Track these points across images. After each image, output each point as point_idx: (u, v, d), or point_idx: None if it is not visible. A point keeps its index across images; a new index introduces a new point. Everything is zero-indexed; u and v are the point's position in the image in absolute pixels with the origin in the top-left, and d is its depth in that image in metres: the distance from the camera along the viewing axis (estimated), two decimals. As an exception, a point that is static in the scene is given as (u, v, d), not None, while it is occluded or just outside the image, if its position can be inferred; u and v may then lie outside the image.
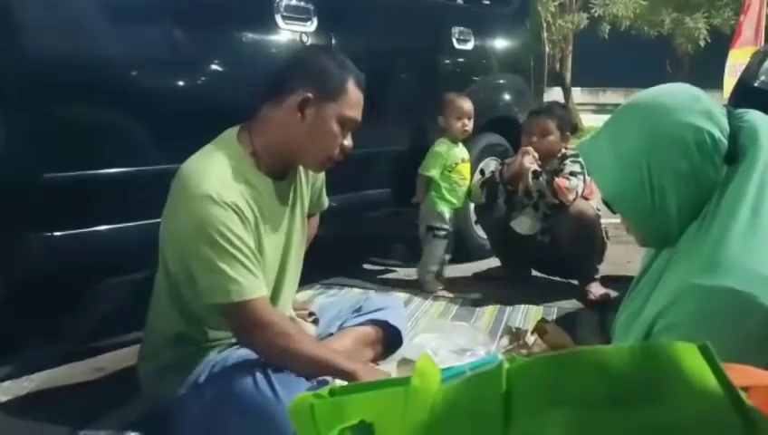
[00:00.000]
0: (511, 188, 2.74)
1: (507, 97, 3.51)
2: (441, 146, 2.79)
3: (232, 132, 1.52)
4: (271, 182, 1.52)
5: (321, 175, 1.74)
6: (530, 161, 2.67)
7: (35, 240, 1.70)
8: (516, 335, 1.74)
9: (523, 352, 1.63)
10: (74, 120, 1.77)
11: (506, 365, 0.61)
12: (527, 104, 3.48)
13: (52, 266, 1.77)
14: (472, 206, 3.00)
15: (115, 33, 1.83)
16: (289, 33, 2.27)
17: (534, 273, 2.97)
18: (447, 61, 3.19)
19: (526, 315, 2.42)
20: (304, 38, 2.29)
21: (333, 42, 2.41)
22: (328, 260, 2.70)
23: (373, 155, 2.63)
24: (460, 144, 2.83)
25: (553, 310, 2.50)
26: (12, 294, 1.75)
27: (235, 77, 2.12)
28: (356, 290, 2.70)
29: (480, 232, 3.13)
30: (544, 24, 5.27)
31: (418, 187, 2.81)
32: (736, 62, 6.32)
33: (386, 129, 2.69)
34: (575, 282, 2.72)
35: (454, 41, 3.13)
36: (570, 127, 2.87)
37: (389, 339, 1.77)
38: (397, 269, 3.07)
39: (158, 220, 1.50)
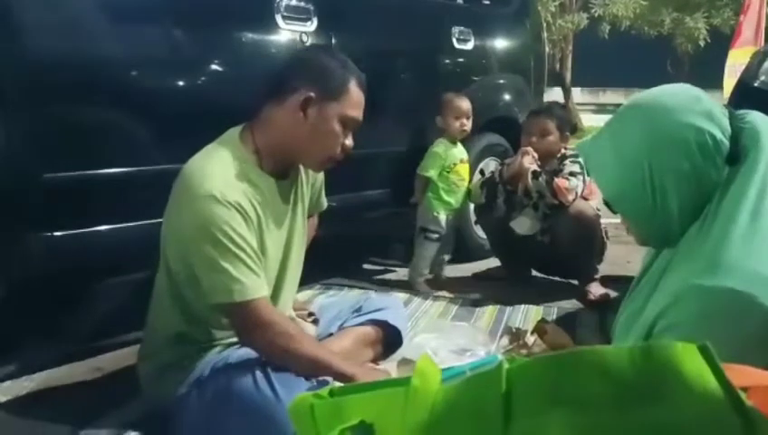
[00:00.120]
0: (510, 189, 2.74)
1: (507, 97, 3.51)
2: (439, 146, 2.78)
3: (234, 132, 1.52)
4: (273, 182, 1.52)
5: (321, 176, 1.74)
6: (529, 162, 2.67)
7: (35, 240, 1.70)
8: (516, 335, 1.75)
9: (523, 352, 1.63)
10: (74, 120, 1.77)
11: (506, 366, 0.61)
12: (527, 104, 3.47)
13: (52, 266, 1.77)
14: (472, 206, 3.00)
15: (115, 34, 1.83)
16: (289, 33, 2.27)
17: (534, 273, 2.97)
18: (447, 61, 3.19)
19: (526, 315, 2.42)
20: (304, 38, 2.29)
21: (333, 42, 2.41)
22: (328, 260, 2.70)
23: (373, 155, 2.62)
24: (459, 144, 2.82)
25: (553, 310, 2.50)
26: (12, 294, 1.75)
27: (235, 77, 2.12)
28: (356, 290, 2.70)
29: (480, 232, 3.13)
30: (544, 24, 5.27)
31: (416, 187, 2.80)
32: (736, 62, 6.33)
33: (386, 129, 2.68)
34: (575, 282, 2.72)
35: (454, 41, 3.12)
36: (569, 127, 2.87)
37: (389, 339, 1.77)
38: (396, 269, 3.07)
39: (158, 220, 1.50)
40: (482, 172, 3.16)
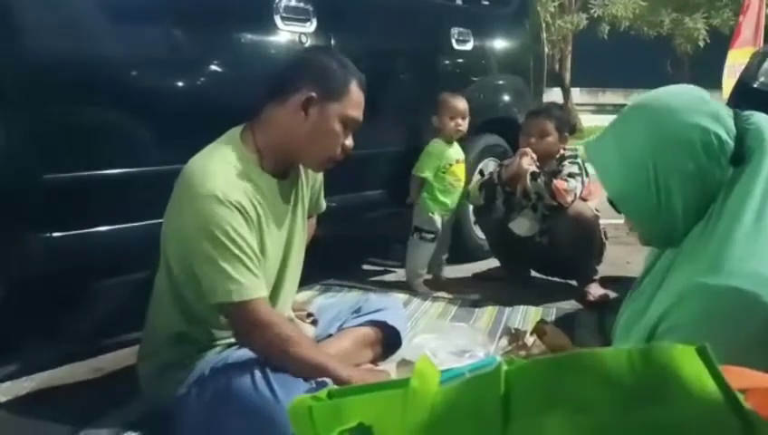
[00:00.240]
0: (509, 190, 2.73)
1: (506, 98, 3.51)
2: (434, 146, 2.77)
3: (235, 132, 1.53)
4: (275, 182, 1.53)
5: (320, 177, 1.75)
6: (528, 163, 2.67)
7: (35, 240, 1.70)
8: (515, 336, 1.75)
9: (522, 353, 1.63)
10: (74, 121, 1.77)
11: (505, 367, 0.61)
12: (526, 105, 3.47)
13: (52, 267, 1.77)
14: (471, 207, 3.00)
15: (115, 34, 1.83)
16: (288, 33, 2.27)
17: (533, 274, 2.97)
18: (447, 61, 3.19)
19: (525, 316, 2.42)
20: (303, 39, 2.29)
21: (332, 42, 2.41)
22: (327, 261, 2.70)
23: (373, 156, 2.63)
24: (455, 144, 2.81)
25: (552, 311, 2.50)
26: (12, 294, 1.75)
27: (234, 78, 2.12)
28: (355, 291, 2.70)
29: (479, 233, 3.13)
30: (543, 25, 5.27)
31: (412, 187, 2.79)
32: (735, 62, 6.33)
33: (386, 129, 2.69)
34: (574, 283, 2.72)
35: (453, 41, 3.12)
36: (568, 128, 2.87)
37: (389, 340, 1.77)
38: (396, 270, 3.07)
39: (158, 221, 1.51)
40: (481, 173, 3.16)
